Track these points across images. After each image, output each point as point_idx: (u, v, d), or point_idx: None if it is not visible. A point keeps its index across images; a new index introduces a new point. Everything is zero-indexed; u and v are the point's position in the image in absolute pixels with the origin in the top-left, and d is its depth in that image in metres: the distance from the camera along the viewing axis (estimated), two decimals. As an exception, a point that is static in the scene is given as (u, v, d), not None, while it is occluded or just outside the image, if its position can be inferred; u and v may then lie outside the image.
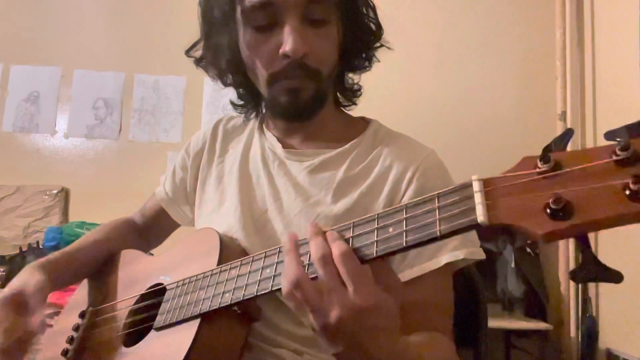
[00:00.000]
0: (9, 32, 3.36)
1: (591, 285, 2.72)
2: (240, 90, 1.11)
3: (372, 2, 1.06)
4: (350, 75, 1.11)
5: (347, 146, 1.03)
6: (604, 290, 2.67)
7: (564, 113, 3.01)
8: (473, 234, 0.93)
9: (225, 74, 1.07)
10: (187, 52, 1.11)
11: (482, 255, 0.93)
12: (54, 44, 3.36)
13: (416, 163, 0.97)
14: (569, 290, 2.85)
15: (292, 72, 0.93)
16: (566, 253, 2.88)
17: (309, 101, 0.96)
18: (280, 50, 0.91)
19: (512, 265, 2.77)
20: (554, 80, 3.11)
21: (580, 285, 2.75)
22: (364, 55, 1.08)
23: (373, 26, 1.06)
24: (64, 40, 3.36)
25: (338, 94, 1.11)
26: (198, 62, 1.10)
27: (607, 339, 2.60)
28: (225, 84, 1.10)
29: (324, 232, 0.67)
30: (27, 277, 0.97)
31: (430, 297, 0.91)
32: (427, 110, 3.15)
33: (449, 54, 3.27)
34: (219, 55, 1.03)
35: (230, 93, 1.14)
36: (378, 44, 1.08)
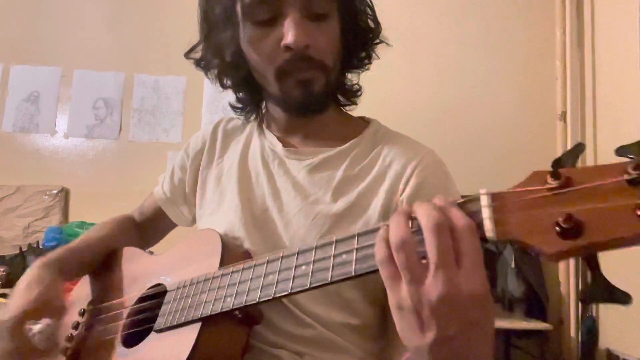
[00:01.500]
0: (9, 32, 3.35)
1: (591, 286, 2.72)
2: (239, 92, 1.11)
3: (369, 2, 1.06)
4: (350, 76, 1.11)
5: (346, 145, 1.02)
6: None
7: (564, 113, 3.01)
8: None
9: (225, 76, 1.07)
10: (187, 55, 1.10)
11: None
12: (54, 44, 3.36)
13: (416, 160, 0.96)
14: (569, 290, 2.85)
15: (298, 64, 0.92)
16: (566, 253, 2.88)
17: (321, 94, 0.96)
18: (282, 43, 0.90)
19: (512, 265, 2.78)
20: (554, 80, 3.12)
21: (580, 285, 2.75)
22: (363, 53, 1.07)
23: (371, 23, 1.06)
24: (64, 40, 3.36)
25: (338, 94, 1.11)
26: (198, 63, 1.10)
27: (607, 339, 2.60)
28: (224, 87, 1.10)
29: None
30: (40, 282, 0.96)
31: None
32: (427, 111, 3.15)
33: (448, 55, 3.27)
34: (219, 54, 1.03)
35: (231, 94, 1.14)
36: (377, 41, 1.08)
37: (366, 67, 1.10)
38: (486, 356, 0.57)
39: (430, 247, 0.54)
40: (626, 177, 0.44)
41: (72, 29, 3.37)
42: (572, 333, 2.77)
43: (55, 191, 3.17)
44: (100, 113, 3.29)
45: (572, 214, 0.45)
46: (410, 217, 0.58)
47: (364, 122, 1.10)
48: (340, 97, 1.11)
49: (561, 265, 2.91)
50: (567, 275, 2.88)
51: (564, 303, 2.87)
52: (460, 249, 0.53)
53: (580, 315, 2.74)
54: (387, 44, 1.09)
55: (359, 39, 1.05)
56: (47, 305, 0.93)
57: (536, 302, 2.82)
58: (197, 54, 1.09)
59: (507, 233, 0.50)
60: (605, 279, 0.45)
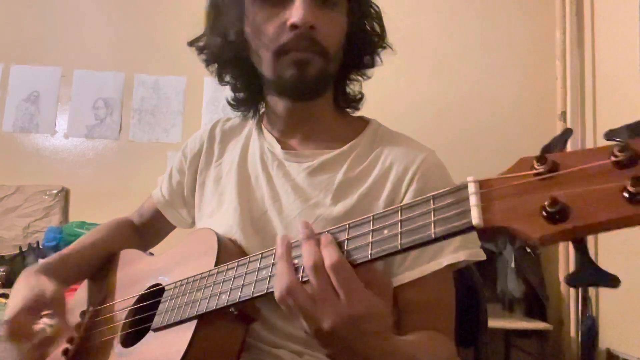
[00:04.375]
0: (9, 32, 3.35)
1: (591, 286, 2.72)
2: (238, 84, 1.10)
3: (377, 6, 1.08)
4: (354, 77, 1.11)
5: (346, 147, 1.03)
6: (604, 290, 2.66)
7: (564, 113, 3.00)
8: (474, 236, 0.94)
9: (225, 66, 1.08)
10: (191, 43, 1.11)
11: (482, 256, 0.93)
12: (54, 44, 3.36)
13: (416, 164, 0.97)
14: (569, 290, 2.84)
15: (300, 43, 0.92)
16: (566, 253, 2.88)
17: (315, 78, 0.96)
18: (289, 21, 0.91)
19: (512, 265, 2.77)
20: (554, 80, 3.11)
21: (580, 287, 2.74)
22: (367, 57, 1.08)
23: (378, 28, 1.07)
24: (64, 40, 3.36)
25: (340, 99, 1.11)
26: (201, 50, 1.09)
27: (607, 339, 2.59)
28: (222, 81, 1.10)
29: (317, 235, 0.67)
30: (37, 284, 0.97)
31: (432, 298, 0.91)
32: (427, 111, 3.14)
33: (448, 54, 3.26)
34: (223, 37, 1.03)
35: (229, 96, 1.14)
36: (382, 45, 1.09)
37: (368, 76, 1.11)
38: (385, 347, 0.67)
39: (312, 285, 0.63)
40: (612, 159, 0.44)
41: (72, 29, 3.37)
42: (572, 333, 2.76)
43: (55, 191, 3.17)
44: (100, 113, 3.29)
45: (558, 197, 0.45)
46: (295, 256, 0.68)
47: (363, 121, 1.11)
48: (341, 102, 1.12)
49: (561, 265, 2.91)
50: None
51: (564, 303, 2.85)
52: (335, 282, 0.62)
53: (580, 315, 2.73)
54: (391, 48, 1.10)
55: (365, 41, 1.06)
56: (45, 303, 0.94)
57: (536, 302, 2.81)
58: (201, 53, 1.10)
59: (494, 220, 0.50)
60: (593, 262, 0.45)
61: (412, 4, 3.28)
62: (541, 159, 0.48)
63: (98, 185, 3.23)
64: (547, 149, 0.50)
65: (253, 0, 0.96)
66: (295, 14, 0.90)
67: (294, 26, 0.91)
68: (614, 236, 2.28)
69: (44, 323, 0.91)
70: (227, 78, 1.10)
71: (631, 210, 0.42)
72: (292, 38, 0.92)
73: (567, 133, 0.51)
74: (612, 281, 0.45)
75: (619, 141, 0.44)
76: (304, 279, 0.65)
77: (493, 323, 2.42)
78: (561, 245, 2.91)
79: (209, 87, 3.22)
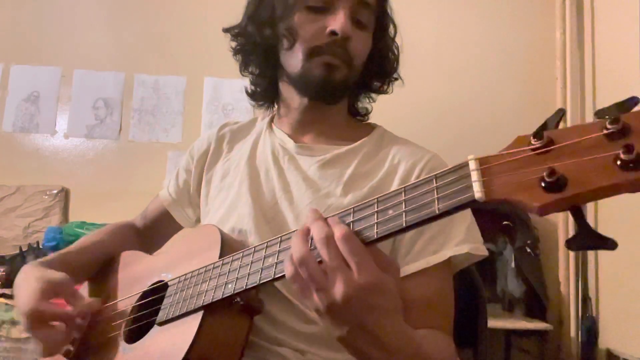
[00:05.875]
0: (9, 32, 3.36)
1: (591, 286, 2.72)
2: (259, 76, 1.16)
3: (397, 45, 1.17)
4: (364, 95, 1.19)
5: (357, 144, 1.08)
6: (604, 291, 2.67)
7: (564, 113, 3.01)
8: (476, 233, 0.96)
9: (254, 54, 1.12)
10: (227, 30, 1.16)
11: (484, 252, 0.96)
12: (54, 44, 3.36)
13: (424, 161, 1.02)
14: (569, 290, 2.84)
15: (334, 49, 1.00)
16: (566, 253, 2.88)
17: (339, 83, 1.03)
18: (330, 27, 0.98)
19: (512, 265, 2.77)
20: (554, 80, 3.12)
21: (580, 285, 2.75)
22: (378, 83, 1.17)
23: (394, 60, 1.17)
24: (64, 40, 3.36)
25: (351, 107, 1.18)
26: (236, 37, 1.15)
27: (607, 339, 2.59)
28: (246, 70, 1.16)
29: (325, 218, 0.69)
30: (41, 274, 0.98)
31: (433, 293, 0.92)
32: (427, 110, 3.15)
33: (448, 54, 3.27)
34: (260, 28, 1.08)
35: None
36: (394, 77, 1.18)
37: (373, 99, 1.21)
38: (394, 328, 0.69)
39: (323, 257, 0.65)
40: (605, 132, 0.46)
41: (72, 29, 3.37)
42: (572, 333, 2.76)
43: (55, 191, 3.17)
44: (100, 113, 3.30)
45: (556, 168, 0.47)
46: (309, 234, 0.68)
47: (370, 126, 1.17)
48: (352, 112, 1.19)
49: (561, 265, 2.91)
50: (567, 275, 2.87)
51: (564, 303, 2.86)
52: (346, 253, 0.64)
53: (581, 315, 2.73)
54: (402, 81, 1.21)
55: (379, 69, 1.15)
56: (54, 290, 0.97)
57: (536, 302, 2.81)
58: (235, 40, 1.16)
59: (495, 193, 0.52)
60: (590, 227, 0.47)
61: (412, 4, 3.29)
62: (537, 135, 0.51)
63: (98, 185, 3.23)
64: (542, 128, 0.52)
65: (299, 3, 1.02)
66: (338, 23, 0.98)
67: (333, 33, 0.98)
68: (614, 235, 2.28)
69: (61, 306, 0.94)
70: (251, 68, 1.15)
71: (624, 177, 0.44)
72: (328, 43, 1.00)
73: (559, 112, 0.53)
74: (609, 244, 0.46)
75: (609, 117, 0.46)
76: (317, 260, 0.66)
77: (493, 323, 2.42)
78: (561, 246, 2.92)
79: (209, 87, 3.22)
